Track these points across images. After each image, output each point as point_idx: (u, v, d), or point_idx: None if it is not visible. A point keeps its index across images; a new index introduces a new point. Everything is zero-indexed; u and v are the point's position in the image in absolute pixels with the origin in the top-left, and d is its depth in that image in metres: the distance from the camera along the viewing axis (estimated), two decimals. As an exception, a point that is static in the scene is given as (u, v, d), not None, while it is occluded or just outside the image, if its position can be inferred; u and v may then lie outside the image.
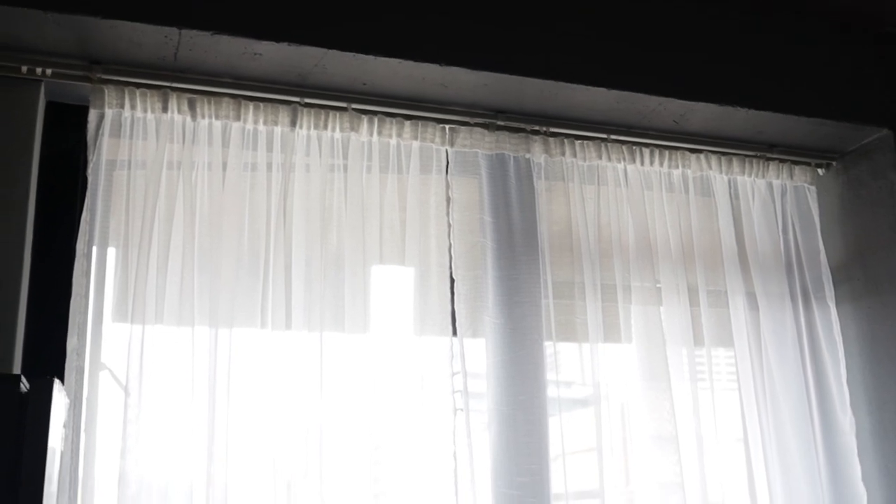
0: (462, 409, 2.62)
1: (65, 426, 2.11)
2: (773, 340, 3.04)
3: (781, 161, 3.27)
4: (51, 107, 2.56)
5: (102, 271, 2.45)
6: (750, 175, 3.20)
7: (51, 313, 2.40)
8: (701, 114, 2.99)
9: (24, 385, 1.82)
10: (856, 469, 3.01)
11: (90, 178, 2.47)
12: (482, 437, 2.64)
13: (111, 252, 2.48)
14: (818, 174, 3.34)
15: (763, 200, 3.21)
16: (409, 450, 2.55)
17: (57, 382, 1.89)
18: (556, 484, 2.66)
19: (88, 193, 2.46)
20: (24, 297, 2.33)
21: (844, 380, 3.09)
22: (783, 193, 3.26)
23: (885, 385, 3.04)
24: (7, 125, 2.40)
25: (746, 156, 3.21)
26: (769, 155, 3.24)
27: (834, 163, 3.33)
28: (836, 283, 3.21)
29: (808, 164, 3.32)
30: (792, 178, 3.28)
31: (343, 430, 2.50)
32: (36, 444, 1.80)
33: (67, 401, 2.18)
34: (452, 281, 2.74)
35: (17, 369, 2.26)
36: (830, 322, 3.16)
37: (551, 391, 2.73)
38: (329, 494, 2.43)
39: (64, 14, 2.27)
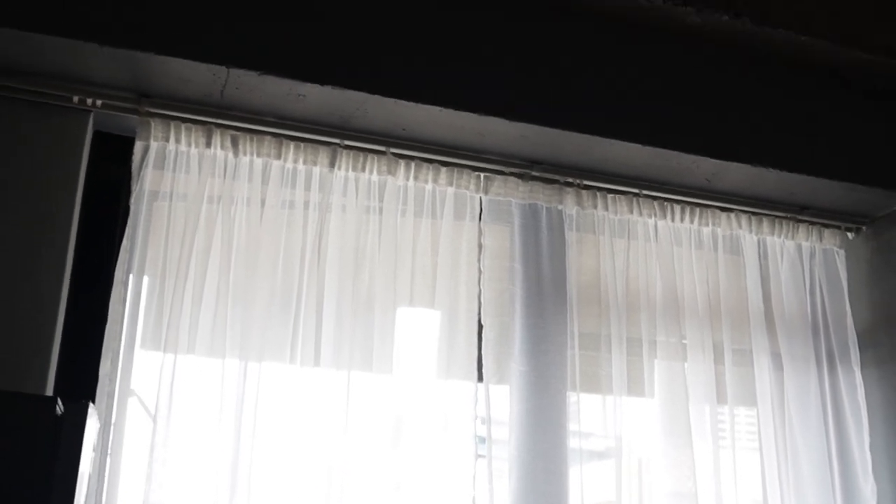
0: (484, 456, 2.63)
1: (94, 450, 2.14)
2: (797, 402, 3.03)
3: (811, 223, 3.28)
4: (98, 136, 2.61)
5: (137, 299, 2.49)
6: (779, 236, 3.21)
7: (86, 338, 2.44)
8: (733, 173, 3.01)
9: (60, 407, 1.85)
10: (877, 537, 2.99)
11: (132, 208, 2.51)
12: (502, 484, 2.64)
13: (146, 280, 2.52)
14: (848, 238, 3.35)
15: (792, 262, 3.22)
16: (429, 492, 2.55)
17: (91, 406, 1.92)
18: (574, 535, 2.66)
19: (129, 222, 2.50)
20: (60, 321, 2.37)
21: (867, 446, 3.07)
22: (812, 256, 3.27)
23: (907, 453, 3.03)
24: (55, 152, 2.46)
25: (777, 217, 3.23)
26: (799, 217, 3.25)
27: (864, 227, 3.34)
28: (862, 348, 3.20)
29: (839, 227, 3.34)
30: (821, 240, 3.29)
31: (365, 468, 2.52)
32: (68, 467, 1.80)
33: (98, 425, 2.22)
34: (480, 327, 2.76)
35: (49, 391, 2.30)
36: (855, 387, 3.14)
37: (572, 442, 2.74)
38: (349, 532, 2.45)
39: (119, 49, 2.33)
